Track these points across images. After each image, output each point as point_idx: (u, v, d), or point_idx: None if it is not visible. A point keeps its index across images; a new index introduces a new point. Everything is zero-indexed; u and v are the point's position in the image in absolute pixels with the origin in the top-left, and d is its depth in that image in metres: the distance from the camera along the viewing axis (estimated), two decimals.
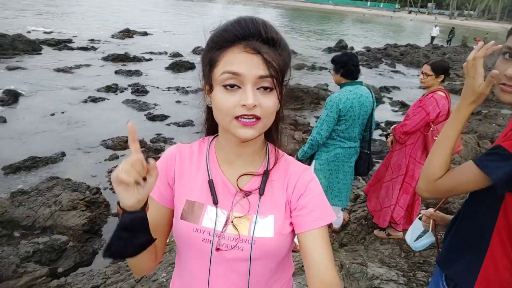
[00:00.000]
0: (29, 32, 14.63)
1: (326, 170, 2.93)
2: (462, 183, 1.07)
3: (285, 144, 0.98)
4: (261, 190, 0.87)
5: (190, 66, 11.73)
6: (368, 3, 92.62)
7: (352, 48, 19.42)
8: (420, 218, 1.50)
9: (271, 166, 0.90)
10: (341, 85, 2.86)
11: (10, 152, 5.31)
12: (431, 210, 1.45)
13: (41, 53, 11.93)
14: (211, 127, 0.95)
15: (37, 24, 16.88)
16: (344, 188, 3.02)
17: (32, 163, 5.07)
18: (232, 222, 0.85)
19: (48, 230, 3.67)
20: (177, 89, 9.38)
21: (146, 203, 0.73)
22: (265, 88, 0.75)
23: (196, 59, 12.82)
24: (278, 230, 0.85)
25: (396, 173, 3.04)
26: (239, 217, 0.86)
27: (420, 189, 1.18)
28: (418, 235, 1.49)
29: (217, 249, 0.84)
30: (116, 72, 10.40)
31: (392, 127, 3.05)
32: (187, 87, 9.46)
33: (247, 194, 0.87)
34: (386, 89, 11.17)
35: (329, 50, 18.18)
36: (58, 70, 10.03)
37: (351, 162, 2.98)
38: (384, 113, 8.71)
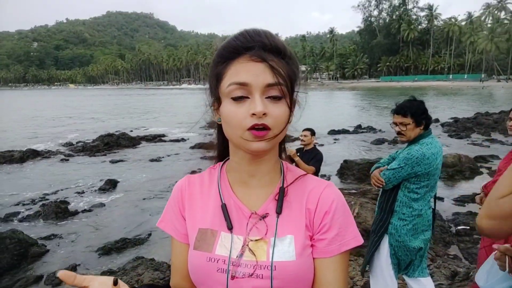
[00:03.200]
0: (131, 131, 16.90)
1: (411, 250, 2.44)
2: None
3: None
4: (279, 209, 0.79)
5: None
6: (450, 76, 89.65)
7: (437, 120, 18.49)
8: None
9: (287, 183, 0.83)
10: (418, 138, 2.41)
11: (105, 234, 5.77)
12: (507, 245, 1.14)
13: (139, 147, 13.51)
14: (223, 148, 0.91)
15: (138, 124, 19.47)
16: (423, 260, 2.57)
17: (122, 245, 5.39)
18: (248, 246, 0.76)
19: None
20: None
21: None
22: (274, 98, 0.72)
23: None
24: (299, 251, 0.75)
25: None
26: (256, 240, 0.77)
27: (479, 217, 0.98)
28: (495, 277, 1.15)
29: (233, 277, 0.74)
30: (201, 158, 11.18)
31: (483, 184, 2.61)
32: None
33: (263, 215, 0.79)
34: (483, 158, 10.12)
35: None
36: (151, 160, 11.15)
37: (430, 230, 2.54)
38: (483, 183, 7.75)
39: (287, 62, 0.75)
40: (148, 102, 46.71)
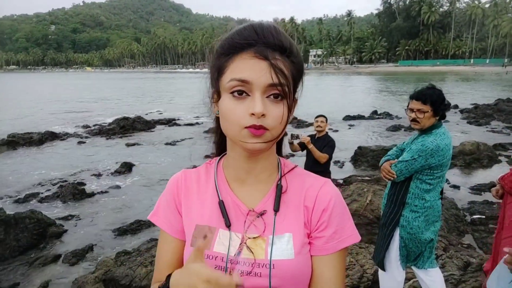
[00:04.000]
0: (146, 114, 17.05)
1: (423, 242, 2.41)
2: None
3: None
4: (276, 206, 0.78)
5: None
6: (472, 61, 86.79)
7: (456, 106, 18.04)
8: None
9: (284, 180, 0.82)
10: (431, 128, 2.35)
11: (121, 216, 5.90)
12: None
13: (154, 131, 13.65)
14: (220, 142, 0.89)
15: (153, 108, 19.62)
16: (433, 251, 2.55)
17: (137, 226, 5.51)
18: (246, 244, 0.76)
19: None
20: None
21: None
22: (276, 97, 0.70)
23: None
24: (298, 249, 0.75)
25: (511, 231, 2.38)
26: (254, 238, 0.76)
27: None
28: (505, 282, 1.13)
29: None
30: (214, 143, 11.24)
31: (500, 176, 2.50)
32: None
33: (261, 213, 0.79)
34: (502, 146, 9.85)
35: None
36: (166, 143, 11.27)
37: (440, 221, 2.52)
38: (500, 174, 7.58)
39: (291, 60, 0.72)
40: (163, 86, 46.96)
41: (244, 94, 0.70)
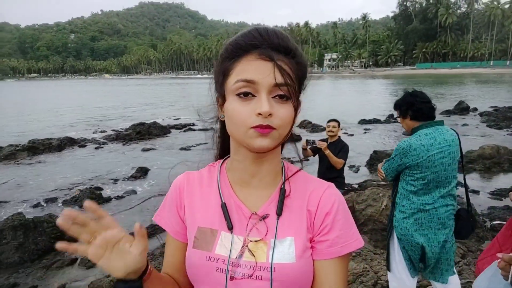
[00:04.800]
0: (162, 119, 17.29)
1: (414, 245, 2.33)
2: None
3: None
4: (279, 210, 0.78)
5: (296, 138, 11.98)
6: (491, 62, 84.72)
7: (475, 109, 17.65)
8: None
9: (288, 184, 0.82)
10: (414, 130, 2.38)
11: (137, 220, 5.88)
12: None
13: (169, 136, 13.81)
14: (224, 146, 0.90)
15: (168, 113, 19.87)
16: (444, 262, 2.37)
17: (152, 230, 5.53)
18: (247, 247, 0.75)
19: None
20: (282, 158, 9.62)
21: (145, 272, 0.70)
22: (281, 97, 0.71)
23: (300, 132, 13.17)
24: (300, 254, 0.74)
25: None
26: (256, 241, 0.76)
27: None
28: (496, 286, 1.09)
29: (232, 278, 0.74)
30: None
31: None
32: (293, 158, 9.62)
33: (263, 216, 0.78)
34: None
35: (447, 113, 16.83)
36: (181, 148, 11.38)
37: (446, 228, 2.32)
38: None
39: (296, 62, 0.73)
40: (178, 91, 47.49)
41: (250, 95, 0.70)
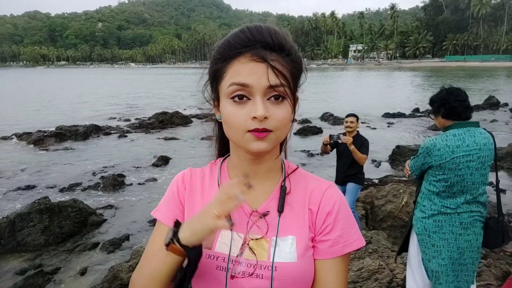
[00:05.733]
0: (184, 109, 17.47)
1: (429, 247, 2.24)
2: None
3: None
4: (280, 207, 0.78)
5: (317, 131, 11.89)
6: None
7: (506, 104, 16.95)
8: None
9: (288, 181, 0.81)
10: (446, 129, 2.29)
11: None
12: None
13: (190, 125, 13.97)
14: (222, 145, 0.90)
15: (191, 103, 20.05)
16: (463, 270, 2.23)
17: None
18: (248, 245, 0.75)
19: None
20: (303, 151, 9.65)
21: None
22: (277, 98, 0.70)
23: (321, 124, 13.03)
24: (301, 253, 0.75)
25: None
26: (257, 239, 0.76)
27: None
28: None
29: (232, 277, 0.73)
30: None
31: None
32: (313, 151, 9.56)
33: (264, 213, 0.78)
34: None
35: (477, 107, 16.24)
36: (202, 138, 11.48)
37: (469, 234, 2.19)
38: None
39: (291, 59, 0.72)
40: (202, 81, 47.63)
41: (244, 98, 0.69)
